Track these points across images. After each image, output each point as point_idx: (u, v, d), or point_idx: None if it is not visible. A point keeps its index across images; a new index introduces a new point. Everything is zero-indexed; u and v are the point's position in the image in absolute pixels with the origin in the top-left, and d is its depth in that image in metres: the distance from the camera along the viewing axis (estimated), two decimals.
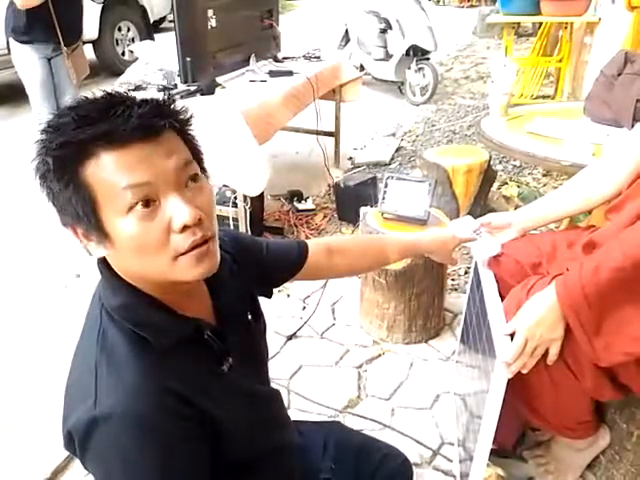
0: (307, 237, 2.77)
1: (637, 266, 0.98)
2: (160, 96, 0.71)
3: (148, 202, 0.65)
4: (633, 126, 1.80)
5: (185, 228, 0.66)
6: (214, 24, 2.41)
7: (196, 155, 0.74)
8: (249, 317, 0.90)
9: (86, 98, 0.68)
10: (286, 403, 1.72)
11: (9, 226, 2.98)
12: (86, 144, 0.64)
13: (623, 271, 0.98)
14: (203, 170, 0.74)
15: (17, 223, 3.01)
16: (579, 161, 1.71)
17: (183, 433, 0.68)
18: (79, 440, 0.67)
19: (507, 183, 3.19)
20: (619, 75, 1.99)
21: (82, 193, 0.65)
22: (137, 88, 2.37)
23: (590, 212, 1.66)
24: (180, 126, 0.71)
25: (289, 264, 1.04)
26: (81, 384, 0.70)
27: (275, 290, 1.07)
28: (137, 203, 0.64)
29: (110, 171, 0.64)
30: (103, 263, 0.73)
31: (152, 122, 0.66)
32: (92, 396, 0.67)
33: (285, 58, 3.14)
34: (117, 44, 6.08)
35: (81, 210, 0.65)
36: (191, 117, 0.73)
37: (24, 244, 2.80)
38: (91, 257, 0.73)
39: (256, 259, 0.96)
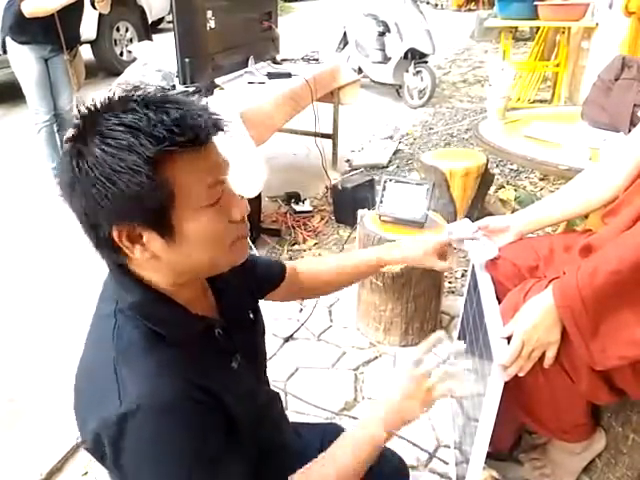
0: (304, 239, 2.77)
1: (633, 270, 0.98)
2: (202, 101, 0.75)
3: (219, 197, 0.71)
4: (630, 131, 1.80)
5: (242, 218, 0.74)
6: (213, 25, 2.41)
7: None
8: (251, 315, 0.93)
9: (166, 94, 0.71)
10: (284, 404, 1.72)
11: (5, 224, 2.97)
12: (174, 146, 0.65)
13: (619, 275, 0.99)
14: None
15: (14, 221, 3.00)
16: (576, 165, 1.71)
17: (209, 419, 0.70)
18: (111, 440, 0.67)
19: (504, 187, 3.20)
20: (616, 80, 2.00)
21: (164, 191, 0.66)
22: (135, 89, 2.37)
23: (587, 216, 1.67)
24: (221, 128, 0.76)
25: (273, 276, 1.06)
26: (100, 385, 0.70)
27: None
28: (215, 199, 0.70)
29: (193, 170, 0.68)
30: (119, 267, 0.74)
31: (218, 123, 0.71)
32: (116, 394, 0.67)
33: (284, 60, 3.15)
34: (115, 44, 6.08)
35: (157, 209, 0.67)
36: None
37: (21, 241, 2.79)
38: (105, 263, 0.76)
39: (250, 266, 0.97)
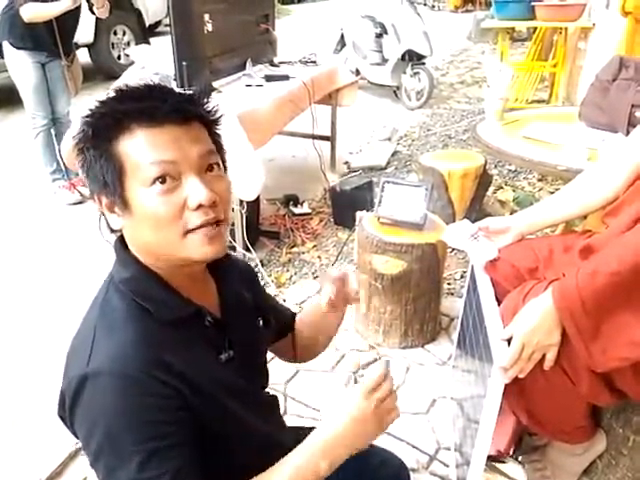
0: (303, 241, 2.77)
1: (633, 271, 0.98)
2: (195, 90, 0.77)
3: (169, 178, 0.71)
4: (628, 131, 1.80)
5: (199, 207, 0.72)
6: (210, 28, 2.41)
7: (219, 150, 0.81)
8: (260, 323, 0.94)
9: (129, 85, 0.76)
10: (282, 408, 1.71)
11: (2, 228, 2.96)
12: (124, 118, 0.71)
13: (619, 276, 0.99)
14: (224, 166, 0.81)
15: (11, 225, 2.99)
16: (575, 166, 1.71)
17: (168, 400, 0.70)
18: (69, 399, 0.70)
19: (502, 187, 3.20)
20: (614, 80, 2.00)
21: (112, 162, 0.71)
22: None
23: (586, 217, 1.67)
24: (208, 121, 0.79)
25: (284, 319, 1.06)
26: (78, 347, 0.74)
27: (272, 293, 1.08)
28: (160, 178, 0.71)
29: (141, 146, 0.71)
30: (120, 241, 0.79)
31: (185, 108, 0.74)
32: (87, 356, 0.70)
33: (281, 62, 3.14)
34: (113, 48, 6.08)
35: (110, 178, 0.72)
36: (220, 117, 0.81)
37: (19, 245, 2.78)
38: (110, 234, 0.79)
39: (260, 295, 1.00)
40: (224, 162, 0.82)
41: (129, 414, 0.67)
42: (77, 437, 0.74)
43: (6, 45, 3.02)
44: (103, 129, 0.72)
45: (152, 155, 0.71)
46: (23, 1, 2.80)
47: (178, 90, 0.78)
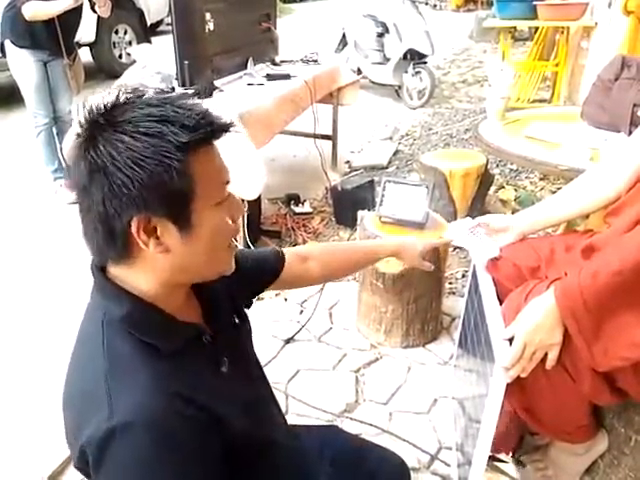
0: (304, 241, 2.77)
1: (635, 271, 0.97)
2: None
3: (228, 196, 0.74)
4: (630, 131, 1.80)
5: (236, 220, 0.77)
6: (212, 27, 2.41)
7: None
8: (236, 320, 0.92)
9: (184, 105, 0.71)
10: (284, 407, 1.71)
11: (3, 227, 2.96)
12: (200, 139, 0.69)
13: (621, 276, 0.98)
14: None
15: (12, 224, 3.00)
16: (577, 165, 1.71)
17: (196, 435, 0.69)
18: (94, 454, 0.65)
19: (504, 187, 3.19)
20: (616, 80, 2.00)
21: (188, 181, 0.68)
22: (134, 91, 2.37)
23: (588, 216, 1.66)
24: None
25: (267, 272, 1.07)
26: (90, 398, 0.68)
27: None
28: (227, 196, 0.74)
29: (213, 166, 0.72)
30: (103, 277, 0.74)
31: (225, 125, 0.73)
32: (106, 408, 0.65)
33: (283, 62, 3.14)
34: (114, 47, 6.08)
35: (181, 198, 0.69)
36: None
37: (20, 244, 2.79)
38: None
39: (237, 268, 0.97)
40: None
41: (165, 465, 0.66)
42: None
43: (8, 44, 3.03)
44: (185, 145, 0.67)
45: (223, 175, 0.74)
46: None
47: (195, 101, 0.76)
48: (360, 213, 2.03)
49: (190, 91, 2.32)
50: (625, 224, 1.15)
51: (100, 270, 0.75)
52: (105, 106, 0.69)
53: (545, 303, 1.05)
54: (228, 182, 0.75)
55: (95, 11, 3.13)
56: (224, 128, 0.73)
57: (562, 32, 4.59)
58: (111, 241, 0.70)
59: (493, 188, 3.01)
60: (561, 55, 4.61)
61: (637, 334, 0.99)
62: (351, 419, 1.70)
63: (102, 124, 0.67)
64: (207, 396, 0.72)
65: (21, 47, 3.00)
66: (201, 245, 0.72)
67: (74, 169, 0.69)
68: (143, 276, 0.73)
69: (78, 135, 0.69)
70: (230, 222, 0.76)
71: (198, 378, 0.74)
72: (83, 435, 0.66)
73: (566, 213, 1.36)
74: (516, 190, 3.14)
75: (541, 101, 4.86)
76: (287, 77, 2.79)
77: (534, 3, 4.37)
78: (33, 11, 2.84)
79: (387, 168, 3.66)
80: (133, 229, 0.68)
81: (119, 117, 0.68)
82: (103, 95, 0.75)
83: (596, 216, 1.50)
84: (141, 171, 0.65)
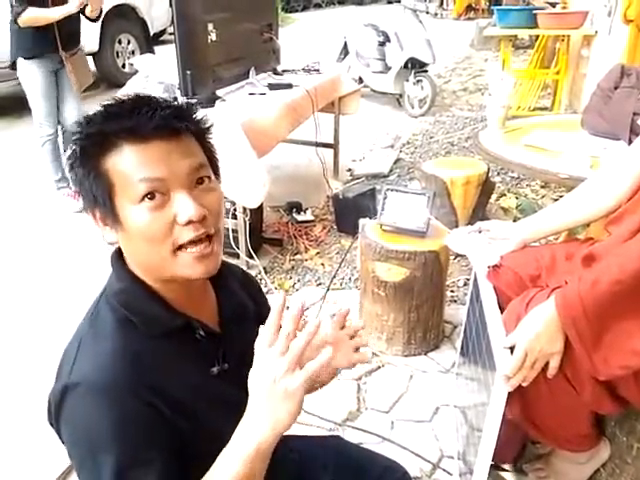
0: (306, 248, 2.77)
1: (635, 279, 0.98)
2: (181, 101, 0.78)
3: (157, 195, 0.71)
4: (630, 139, 1.81)
5: (189, 223, 0.72)
6: (214, 38, 2.43)
7: (212, 161, 0.80)
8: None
9: (117, 98, 0.75)
10: None
11: (9, 236, 2.98)
12: (111, 136, 0.71)
13: (621, 284, 0.99)
14: (217, 176, 0.80)
15: (17, 234, 3.01)
16: (577, 174, 1.72)
17: (146, 418, 0.69)
18: (54, 409, 0.71)
19: (505, 195, 3.20)
20: (616, 88, 2.01)
21: (102, 180, 0.72)
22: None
23: (589, 224, 1.67)
24: (198, 132, 0.77)
25: None
26: (65, 356, 0.74)
27: None
28: (148, 195, 0.71)
29: (130, 163, 0.71)
30: (116, 254, 0.79)
31: (172, 123, 0.72)
32: (70, 366, 0.71)
33: (285, 71, 3.16)
34: (117, 56, 6.12)
35: (100, 196, 0.72)
36: (210, 126, 0.80)
37: (25, 253, 2.80)
38: (107, 245, 0.79)
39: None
40: (217, 173, 0.81)
41: (107, 430, 0.67)
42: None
43: (20, 60, 3.07)
44: (91, 147, 0.72)
45: (140, 172, 0.70)
46: (20, 10, 2.84)
47: (167, 101, 0.76)
48: (362, 221, 2.04)
49: (192, 101, 2.34)
50: (625, 232, 1.15)
51: (119, 254, 0.79)
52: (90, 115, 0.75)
53: (546, 312, 1.05)
54: (156, 179, 0.70)
55: (86, 16, 3.12)
56: (149, 127, 0.70)
57: (562, 40, 4.61)
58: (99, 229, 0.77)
59: (494, 196, 3.02)
60: (562, 63, 4.63)
61: (637, 342, 1.00)
62: (353, 428, 1.70)
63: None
64: (180, 389, 0.73)
65: (28, 58, 3.04)
66: (136, 241, 0.73)
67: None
68: (128, 259, 0.77)
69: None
70: (171, 223, 0.71)
71: (178, 369, 0.75)
72: (51, 390, 0.72)
73: (567, 222, 1.36)
74: (517, 198, 3.14)
75: (542, 109, 4.88)
76: (289, 86, 2.81)
77: (534, 12, 4.39)
78: (33, 17, 2.86)
79: (388, 176, 3.67)
80: (92, 219, 0.76)
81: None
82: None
83: (597, 224, 1.50)
84: (74, 173, 0.74)
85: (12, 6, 2.89)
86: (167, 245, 0.72)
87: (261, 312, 0.95)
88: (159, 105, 0.73)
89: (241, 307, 0.90)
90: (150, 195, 0.70)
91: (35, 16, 2.87)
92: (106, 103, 0.75)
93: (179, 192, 0.72)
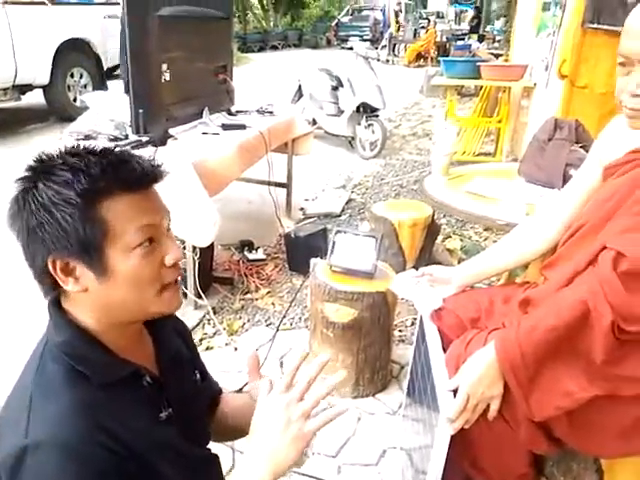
0: (257, 287, 2.76)
1: (569, 327, 1.03)
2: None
3: (151, 240, 0.75)
4: None
5: (174, 264, 0.77)
6: (168, 77, 2.45)
7: None
8: (197, 376, 0.94)
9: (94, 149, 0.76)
10: (230, 462, 1.67)
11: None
12: (106, 185, 0.71)
13: (557, 331, 1.04)
14: None
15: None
16: (513, 220, 1.81)
17: (110, 467, 0.68)
18: (9, 471, 0.66)
19: (451, 236, 3.31)
20: (549, 140, 2.15)
21: (97, 227, 0.71)
22: (87, 137, 2.36)
23: (526, 267, 1.75)
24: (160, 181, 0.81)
25: (212, 390, 1.04)
26: (13, 417, 0.71)
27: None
28: (145, 241, 0.74)
29: (126, 211, 0.73)
30: (55, 304, 0.77)
31: (154, 172, 0.77)
32: (23, 426, 0.68)
33: (239, 112, 3.21)
34: (69, 90, 6.04)
35: (92, 242, 0.71)
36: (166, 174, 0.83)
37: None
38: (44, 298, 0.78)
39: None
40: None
41: None
42: None
43: None
44: (88, 194, 0.70)
45: (139, 220, 0.73)
46: None
47: (139, 155, 0.79)
48: (313, 261, 2.06)
49: (144, 139, 2.33)
50: (562, 279, 1.21)
51: (55, 303, 0.77)
52: (40, 155, 0.74)
53: (487, 356, 1.09)
54: (151, 225, 0.75)
55: None
56: (141, 178, 0.74)
57: (504, 91, 4.90)
58: (38, 278, 0.75)
59: (440, 238, 3.12)
60: (503, 113, 4.90)
61: (569, 384, 1.05)
62: (299, 474, 1.67)
63: (31, 172, 0.73)
64: (134, 436, 0.72)
65: None
66: (121, 288, 0.73)
67: (7, 216, 0.74)
68: (80, 310, 0.76)
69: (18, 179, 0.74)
70: (160, 266, 0.76)
71: (130, 416, 0.74)
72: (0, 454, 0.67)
73: (503, 264, 1.43)
74: (462, 240, 3.26)
75: (486, 154, 5.12)
76: (242, 127, 2.85)
77: (477, 64, 4.66)
78: None
79: (340, 216, 3.74)
80: (50, 267, 0.72)
81: (43, 166, 0.73)
82: (58, 142, 0.77)
83: (533, 268, 1.58)
84: (49, 216, 0.70)
85: None
86: (155, 287, 0.76)
87: (193, 357, 0.96)
88: (139, 157, 0.77)
89: (177, 352, 0.90)
90: (147, 242, 0.74)
91: None
92: (95, 151, 0.75)
93: (163, 236, 0.77)
